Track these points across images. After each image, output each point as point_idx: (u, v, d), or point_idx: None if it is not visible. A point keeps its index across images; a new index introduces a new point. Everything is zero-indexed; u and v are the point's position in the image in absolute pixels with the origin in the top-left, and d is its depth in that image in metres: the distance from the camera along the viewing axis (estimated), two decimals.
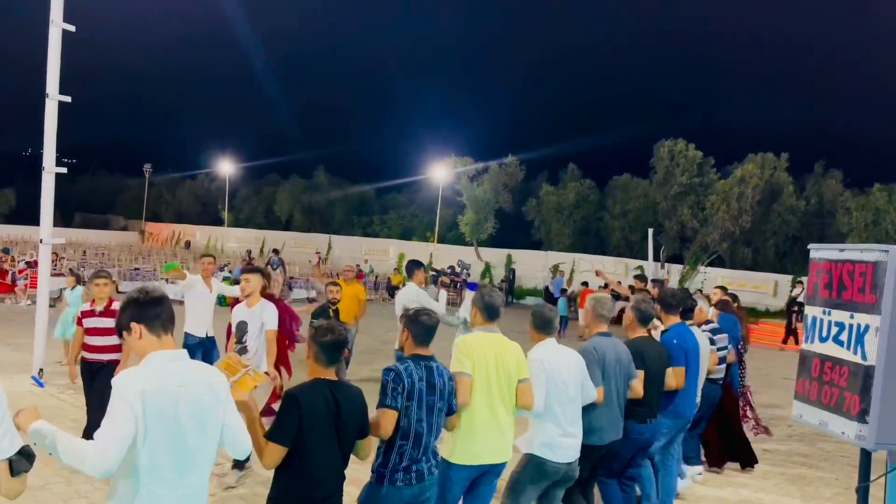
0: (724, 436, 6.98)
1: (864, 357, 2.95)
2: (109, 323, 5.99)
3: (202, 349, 7.34)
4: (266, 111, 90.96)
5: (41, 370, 8.83)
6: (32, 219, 42.49)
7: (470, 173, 35.65)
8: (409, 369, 3.33)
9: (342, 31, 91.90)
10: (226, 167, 47.91)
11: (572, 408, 4.10)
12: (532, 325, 4.24)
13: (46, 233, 9.22)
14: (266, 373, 5.43)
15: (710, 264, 30.59)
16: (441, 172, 35.98)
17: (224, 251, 41.29)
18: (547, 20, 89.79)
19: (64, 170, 9.28)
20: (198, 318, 7.46)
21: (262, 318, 5.90)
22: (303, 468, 2.90)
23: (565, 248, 34.58)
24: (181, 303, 7.25)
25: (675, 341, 5.14)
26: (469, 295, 8.21)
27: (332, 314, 7.33)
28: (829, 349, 3.19)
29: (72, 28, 9.00)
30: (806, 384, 3.37)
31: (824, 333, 3.24)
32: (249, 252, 37.28)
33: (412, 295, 7.60)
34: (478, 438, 3.72)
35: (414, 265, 8.03)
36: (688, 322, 5.57)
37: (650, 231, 22.37)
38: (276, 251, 21.67)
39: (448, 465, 3.72)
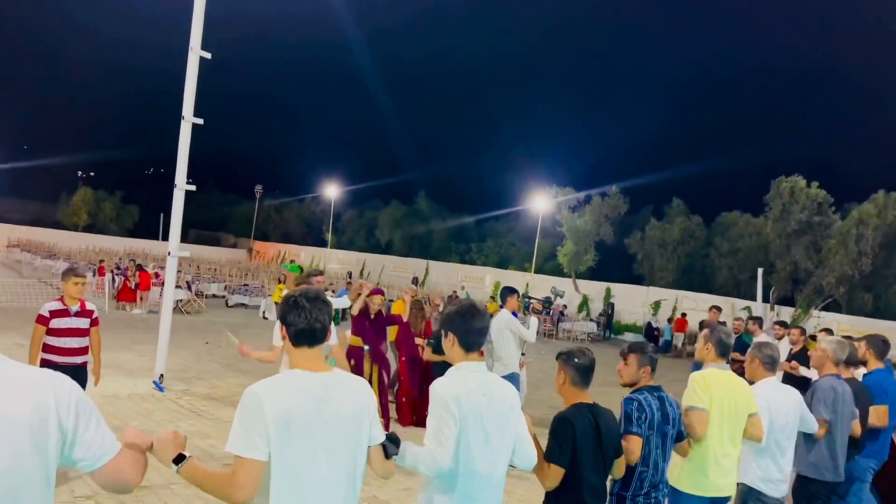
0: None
1: None
2: (85, 323, 5.82)
3: None
4: (370, 136, 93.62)
5: (162, 375, 9.31)
6: (151, 233, 44.92)
7: (571, 203, 35.29)
8: (648, 400, 3.51)
9: (446, 57, 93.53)
10: (331, 191, 49.57)
11: (790, 444, 4.34)
12: (761, 362, 4.38)
13: (174, 246, 9.75)
14: None
15: (825, 308, 28.85)
16: (541, 202, 35.78)
17: (326, 271, 42.57)
18: (656, 48, 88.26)
19: (193, 187, 9.82)
20: None
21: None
22: (574, 489, 3.06)
23: (668, 285, 33.54)
24: None
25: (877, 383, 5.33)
26: (532, 320, 8.04)
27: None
28: None
29: (208, 55, 9.60)
30: None
31: None
32: (350, 273, 38.27)
33: (504, 321, 7.56)
34: (710, 471, 3.86)
35: (507, 291, 8.02)
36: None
37: (760, 271, 21.45)
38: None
39: (678, 493, 3.91)
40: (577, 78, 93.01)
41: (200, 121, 9.57)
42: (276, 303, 20.28)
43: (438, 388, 2.70)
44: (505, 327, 7.53)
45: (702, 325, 12.88)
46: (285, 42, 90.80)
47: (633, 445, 3.39)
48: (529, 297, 8.85)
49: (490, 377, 2.86)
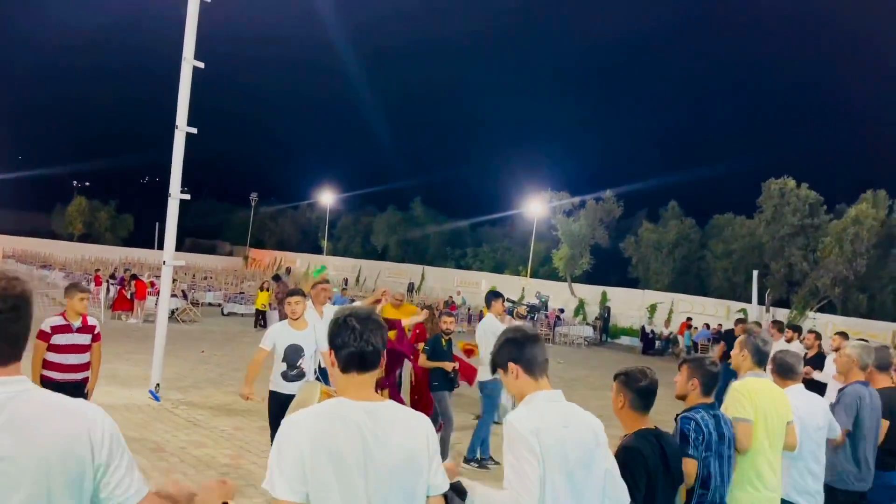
0: None
1: None
2: (86, 339, 5.75)
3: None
4: (365, 142, 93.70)
5: (158, 385, 9.31)
6: (146, 242, 44.62)
7: (566, 208, 35.40)
8: (705, 419, 3.33)
9: (440, 64, 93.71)
10: (326, 198, 49.60)
11: (822, 453, 4.20)
12: (775, 371, 4.24)
13: (169, 255, 9.76)
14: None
15: (821, 310, 28.95)
16: (536, 207, 35.87)
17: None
18: (652, 56, 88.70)
19: (188, 196, 9.85)
20: None
21: (316, 340, 5.83)
22: None
23: (664, 288, 33.60)
24: None
25: None
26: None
27: (444, 344, 7.31)
28: None
29: (201, 65, 9.63)
30: None
31: None
32: (346, 280, 38.29)
33: (490, 326, 7.52)
34: (758, 484, 3.70)
35: (492, 296, 8.00)
36: None
37: (755, 273, 21.50)
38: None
39: None
40: (572, 84, 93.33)
41: (194, 130, 9.59)
42: (258, 309, 20.43)
43: (514, 422, 2.36)
44: (489, 331, 7.42)
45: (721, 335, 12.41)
46: (281, 52, 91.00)
47: (690, 469, 3.20)
48: (514, 302, 8.83)
49: (570, 406, 2.52)
